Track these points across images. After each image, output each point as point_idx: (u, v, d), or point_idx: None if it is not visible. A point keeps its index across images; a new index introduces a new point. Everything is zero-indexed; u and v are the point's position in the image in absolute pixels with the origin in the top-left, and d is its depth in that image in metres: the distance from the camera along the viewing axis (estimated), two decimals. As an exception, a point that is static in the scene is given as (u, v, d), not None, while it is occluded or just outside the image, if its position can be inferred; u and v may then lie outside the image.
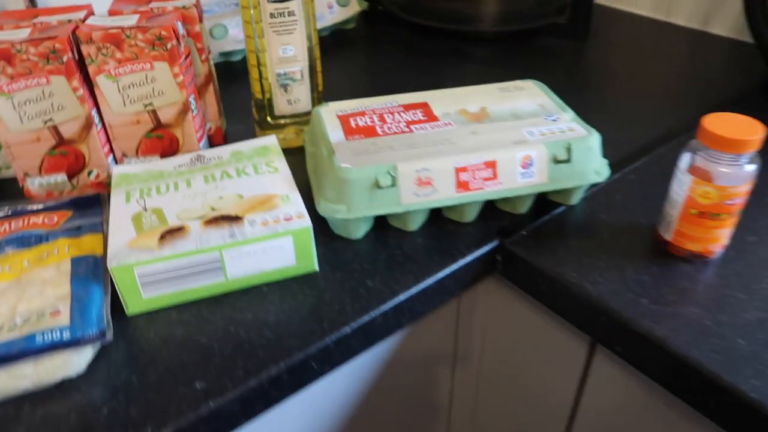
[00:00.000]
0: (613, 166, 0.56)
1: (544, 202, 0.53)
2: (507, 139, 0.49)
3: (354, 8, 0.90)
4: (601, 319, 0.44)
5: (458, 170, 0.47)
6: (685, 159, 0.44)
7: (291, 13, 0.56)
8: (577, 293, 0.45)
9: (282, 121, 0.62)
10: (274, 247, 0.44)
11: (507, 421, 0.65)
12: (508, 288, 0.55)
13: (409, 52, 0.86)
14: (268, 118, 0.61)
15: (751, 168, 0.42)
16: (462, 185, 0.48)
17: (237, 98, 0.72)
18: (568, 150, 0.48)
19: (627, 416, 0.50)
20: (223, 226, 0.44)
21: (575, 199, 0.52)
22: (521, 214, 0.52)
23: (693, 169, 0.43)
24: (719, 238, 0.45)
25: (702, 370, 0.38)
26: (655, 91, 0.74)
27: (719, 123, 0.42)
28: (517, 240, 0.49)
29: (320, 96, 0.62)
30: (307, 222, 0.45)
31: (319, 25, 0.84)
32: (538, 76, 0.69)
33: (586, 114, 0.59)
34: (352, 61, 0.85)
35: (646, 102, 0.71)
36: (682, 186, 0.44)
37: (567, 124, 0.51)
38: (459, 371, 0.64)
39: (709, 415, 0.40)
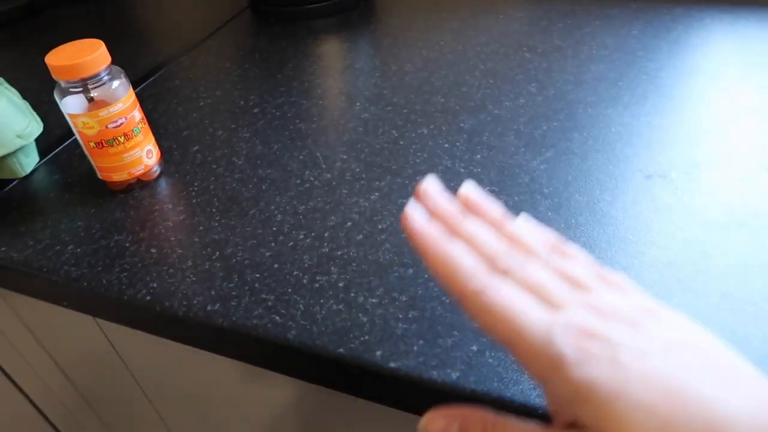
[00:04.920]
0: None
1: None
2: None
3: None
4: (35, 284, 0.42)
5: None
6: (58, 99, 0.43)
7: None
8: (28, 269, 0.42)
9: None
10: None
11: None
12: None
13: None
14: None
15: (117, 83, 0.43)
16: None
17: None
18: (-36, 124, 0.45)
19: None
20: None
21: (24, 170, 0.49)
22: (-38, 205, 0.47)
23: (67, 106, 0.43)
24: (137, 161, 0.46)
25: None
26: (165, 27, 0.74)
27: (63, 54, 0.42)
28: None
29: None
30: None
31: None
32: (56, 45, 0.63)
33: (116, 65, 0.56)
34: None
35: (157, 40, 0.71)
36: (72, 126, 0.44)
37: (-30, 96, 0.47)
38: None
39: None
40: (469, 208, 0.29)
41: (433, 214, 0.28)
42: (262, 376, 0.45)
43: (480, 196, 0.29)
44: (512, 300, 0.24)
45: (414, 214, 0.28)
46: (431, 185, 0.29)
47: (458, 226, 0.28)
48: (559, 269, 0.26)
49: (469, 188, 0.29)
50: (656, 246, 0.37)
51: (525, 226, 0.28)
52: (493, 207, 0.29)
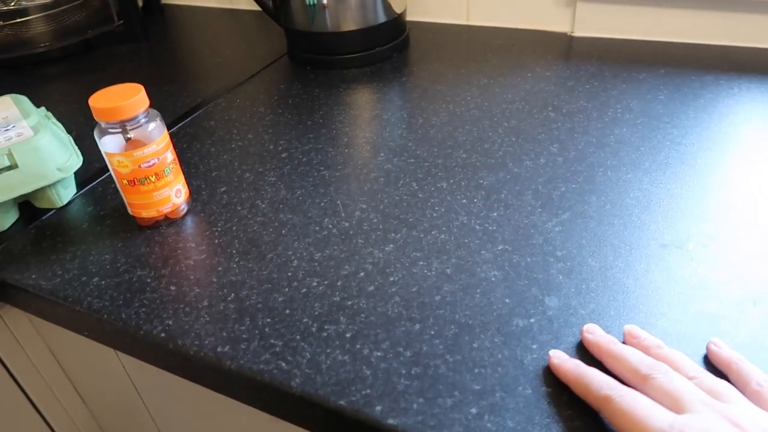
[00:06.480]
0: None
1: (36, 211, 0.52)
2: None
3: None
4: (59, 312, 0.44)
5: None
6: (97, 138, 0.46)
7: None
8: (54, 297, 0.44)
9: None
10: None
11: None
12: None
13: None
14: None
15: (152, 126, 0.46)
16: None
17: None
18: (10, 156, 0.48)
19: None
20: None
21: (61, 201, 0.52)
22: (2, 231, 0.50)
23: (105, 145, 0.45)
24: (166, 200, 0.48)
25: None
26: (207, 68, 0.78)
27: (105, 97, 0.44)
28: (-12, 259, 0.48)
29: None
30: None
31: None
32: (107, 81, 0.67)
33: (158, 104, 0.59)
34: None
35: (198, 81, 0.74)
36: (107, 163, 0.46)
37: (19, 130, 0.50)
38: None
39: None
40: (628, 339, 0.34)
41: (590, 344, 0.34)
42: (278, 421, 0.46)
43: (639, 330, 0.34)
44: (638, 404, 0.28)
45: (556, 354, 0.34)
46: (592, 327, 0.35)
47: (610, 346, 0.33)
48: (703, 383, 0.29)
49: (630, 327, 0.35)
50: (666, 318, 0.36)
51: (678, 352, 0.32)
52: (650, 337, 0.34)
